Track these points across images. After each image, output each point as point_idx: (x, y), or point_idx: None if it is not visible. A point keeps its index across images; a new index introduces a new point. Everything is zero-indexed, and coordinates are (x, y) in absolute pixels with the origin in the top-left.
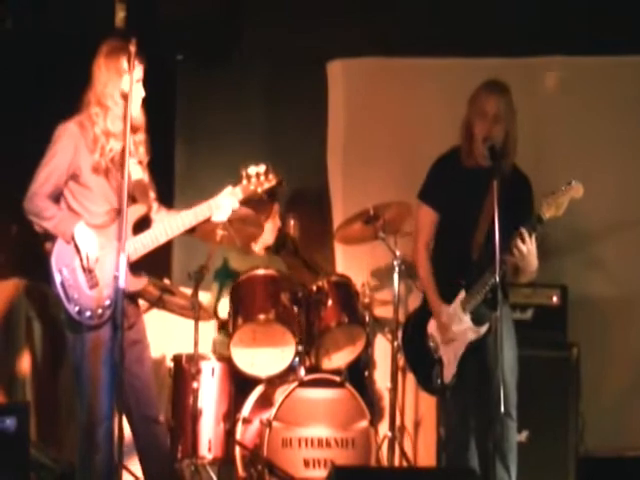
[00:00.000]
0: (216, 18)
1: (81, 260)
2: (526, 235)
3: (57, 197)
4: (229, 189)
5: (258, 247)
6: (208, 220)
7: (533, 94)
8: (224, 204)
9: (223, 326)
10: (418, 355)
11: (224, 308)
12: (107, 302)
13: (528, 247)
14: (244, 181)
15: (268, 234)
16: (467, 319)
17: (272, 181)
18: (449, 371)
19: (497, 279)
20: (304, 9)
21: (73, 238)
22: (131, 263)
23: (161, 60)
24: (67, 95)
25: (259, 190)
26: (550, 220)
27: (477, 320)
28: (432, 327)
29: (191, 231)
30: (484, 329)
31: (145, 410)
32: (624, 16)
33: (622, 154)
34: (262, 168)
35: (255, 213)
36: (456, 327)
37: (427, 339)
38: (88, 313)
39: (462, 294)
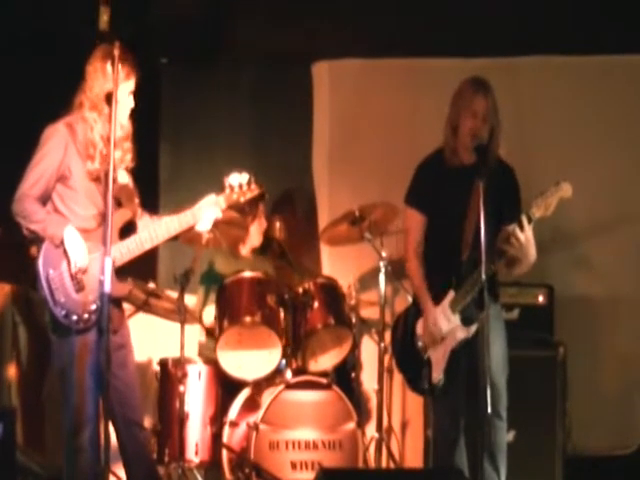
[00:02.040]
0: (201, 21)
1: (69, 264)
2: (525, 223)
3: (45, 200)
4: (212, 198)
5: (245, 250)
6: (192, 228)
7: (519, 93)
8: (206, 215)
9: (208, 332)
10: (407, 355)
11: (209, 315)
12: (93, 306)
13: (527, 235)
14: (227, 190)
15: (255, 236)
16: (456, 319)
17: (255, 191)
18: (437, 371)
19: (483, 278)
20: (289, 11)
21: (62, 242)
22: (117, 268)
23: (146, 63)
24: (51, 97)
25: (242, 200)
26: (539, 219)
27: (466, 320)
28: (421, 327)
29: (176, 237)
30: (473, 329)
31: (129, 414)
32: (608, 15)
33: (608, 153)
34: (245, 178)
35: (240, 216)
36: (445, 327)
37: (416, 339)
38: (74, 317)
39: (451, 294)
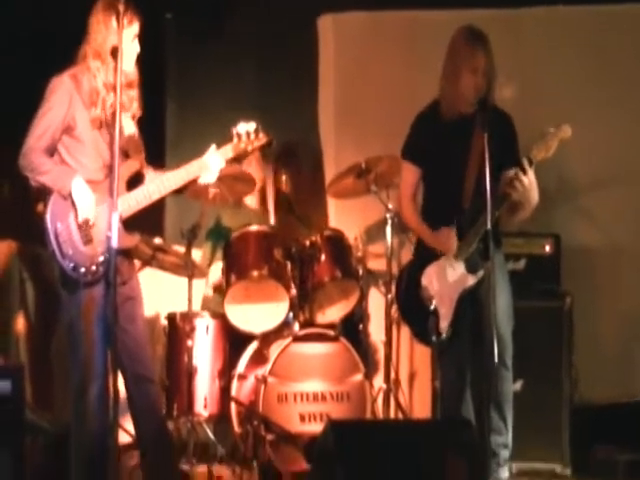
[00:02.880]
0: None
1: (76, 217)
2: (527, 165)
3: (52, 152)
4: (213, 149)
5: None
6: (197, 180)
7: (522, 45)
8: (211, 165)
9: (215, 289)
10: (413, 307)
11: (216, 273)
12: (101, 258)
13: (530, 178)
14: (234, 139)
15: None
16: (461, 267)
17: (262, 140)
18: (444, 321)
19: (489, 227)
20: None
21: (70, 193)
22: (124, 219)
23: (150, 19)
24: (58, 51)
25: (249, 149)
26: (540, 162)
27: (471, 268)
28: (426, 278)
29: (182, 190)
30: (479, 275)
31: (138, 369)
32: None
33: (613, 105)
34: (252, 126)
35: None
36: (450, 275)
37: (421, 291)
38: (82, 269)
39: (453, 231)
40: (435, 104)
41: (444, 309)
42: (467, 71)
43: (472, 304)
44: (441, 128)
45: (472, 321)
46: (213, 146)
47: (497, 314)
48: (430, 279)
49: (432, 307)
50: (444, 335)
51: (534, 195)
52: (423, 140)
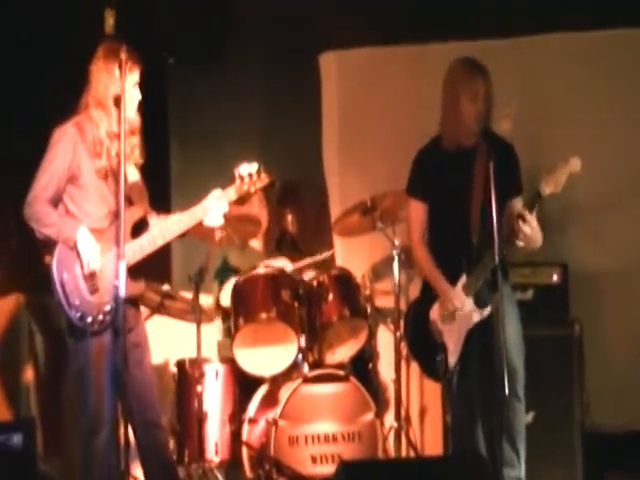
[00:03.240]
0: (205, 17)
1: (82, 267)
2: (527, 215)
3: (56, 202)
4: (217, 192)
5: (258, 244)
6: (202, 223)
7: (525, 73)
8: (214, 209)
9: (226, 316)
10: (421, 343)
11: (226, 297)
12: (107, 307)
13: (531, 225)
14: (237, 181)
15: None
16: (470, 302)
17: (265, 180)
18: (453, 357)
19: (497, 260)
20: (294, 3)
21: (76, 245)
22: (130, 267)
23: (153, 63)
24: (58, 102)
25: (252, 190)
26: (549, 196)
27: (480, 303)
28: (434, 314)
29: (187, 233)
30: (487, 311)
31: (146, 414)
32: None
33: (616, 129)
34: (254, 167)
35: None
36: (459, 310)
37: (429, 326)
38: (89, 319)
39: (463, 278)
40: (435, 139)
41: (452, 345)
42: (467, 99)
43: (481, 337)
44: (443, 162)
45: (481, 354)
46: (217, 190)
47: (507, 344)
48: (438, 315)
49: (440, 342)
50: (452, 371)
51: (537, 240)
52: (426, 175)
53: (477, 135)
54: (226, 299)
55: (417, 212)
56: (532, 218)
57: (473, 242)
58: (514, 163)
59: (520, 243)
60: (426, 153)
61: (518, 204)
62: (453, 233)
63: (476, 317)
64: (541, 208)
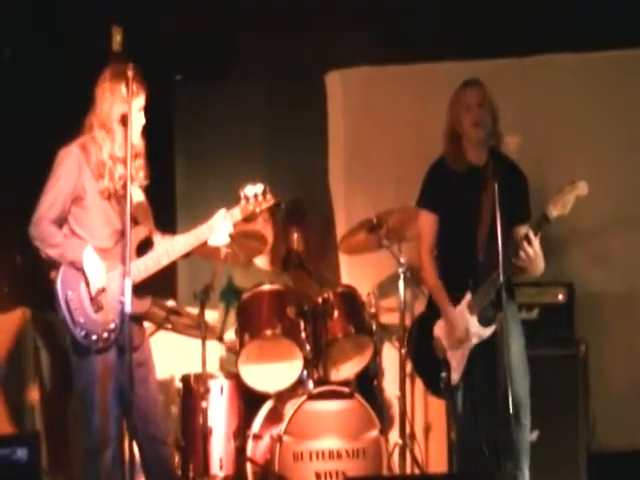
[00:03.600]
0: (211, 36)
1: (87, 285)
2: (532, 236)
3: (61, 222)
4: (222, 212)
5: (264, 262)
6: (207, 243)
7: (529, 93)
8: (219, 229)
9: (229, 349)
10: (425, 359)
11: (230, 333)
12: (112, 325)
13: (535, 249)
14: (242, 202)
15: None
16: (474, 320)
17: (270, 201)
18: (456, 374)
19: (501, 280)
20: (299, 22)
21: (82, 265)
22: (135, 285)
23: (159, 81)
24: (65, 121)
25: (257, 210)
26: (556, 219)
27: (484, 321)
28: (438, 330)
29: (190, 253)
30: (491, 330)
31: (151, 431)
32: (619, 9)
33: (625, 149)
34: (260, 188)
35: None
36: (463, 329)
37: (433, 342)
38: (94, 337)
39: (468, 296)
40: (443, 157)
41: (455, 362)
42: (462, 112)
43: (484, 356)
44: (453, 178)
45: (485, 373)
46: (223, 210)
47: (512, 364)
48: (442, 331)
49: (444, 359)
50: (455, 388)
51: (539, 265)
52: (438, 188)
53: (485, 153)
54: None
55: (427, 223)
56: (536, 241)
57: (480, 260)
58: (524, 189)
59: (522, 264)
60: (436, 169)
61: (524, 230)
62: (459, 250)
63: (482, 333)
64: (546, 232)
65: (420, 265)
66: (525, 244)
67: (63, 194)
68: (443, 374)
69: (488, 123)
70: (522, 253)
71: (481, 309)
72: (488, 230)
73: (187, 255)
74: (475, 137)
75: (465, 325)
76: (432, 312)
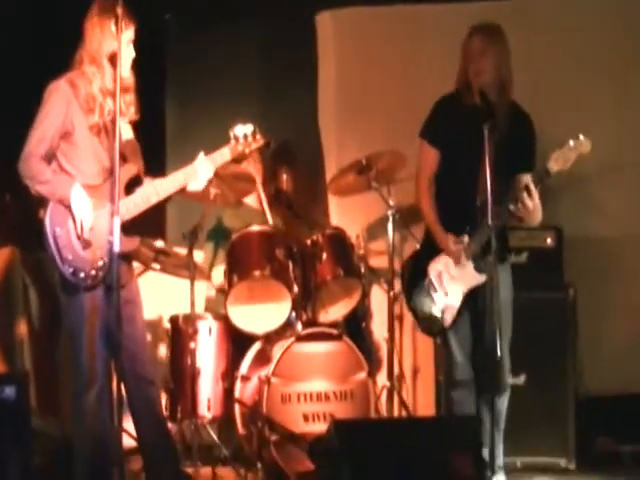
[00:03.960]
0: None
1: (75, 222)
2: (532, 188)
3: (50, 158)
4: (202, 157)
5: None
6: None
7: (524, 35)
8: (199, 173)
9: (218, 290)
10: (419, 297)
11: (219, 275)
12: (100, 263)
13: (534, 201)
14: (232, 142)
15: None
16: (470, 265)
17: (260, 142)
18: (448, 315)
19: (490, 223)
20: None
21: (69, 203)
22: (124, 223)
23: (149, 19)
24: (52, 56)
25: (247, 151)
26: (557, 173)
27: (478, 268)
28: (433, 271)
29: (182, 191)
30: (484, 278)
31: (138, 370)
32: None
33: (619, 94)
34: (249, 129)
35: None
36: (458, 271)
37: (426, 282)
38: (82, 274)
39: (465, 239)
40: (456, 91)
41: (449, 302)
42: (467, 56)
43: (475, 300)
44: (461, 115)
45: (474, 316)
46: (201, 154)
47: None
48: (437, 272)
49: (435, 295)
50: (448, 328)
51: (537, 216)
52: (443, 122)
53: (478, 94)
54: (218, 277)
55: (427, 156)
56: (536, 193)
57: (477, 205)
58: (531, 138)
59: (520, 214)
60: (445, 101)
61: (526, 178)
62: (459, 191)
63: (473, 281)
64: (545, 185)
65: (417, 198)
66: (525, 195)
67: (52, 130)
68: (437, 314)
69: (489, 70)
70: (520, 204)
71: (475, 255)
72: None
73: (177, 193)
74: (476, 85)
75: (458, 268)
76: (428, 250)
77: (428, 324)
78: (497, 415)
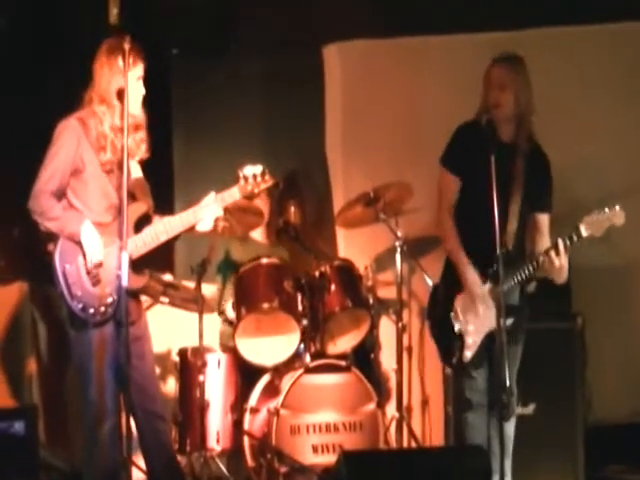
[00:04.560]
0: (209, 9)
1: (85, 259)
2: (561, 248)
3: (60, 195)
4: (212, 196)
5: (261, 236)
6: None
7: (536, 65)
8: (207, 215)
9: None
10: (443, 327)
11: (231, 309)
12: (109, 299)
13: (561, 261)
14: (241, 181)
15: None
16: (493, 307)
17: (269, 182)
18: (469, 351)
19: (498, 252)
20: None
21: (79, 239)
22: (133, 260)
23: (157, 55)
24: (64, 93)
25: (256, 191)
26: (587, 238)
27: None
28: (459, 303)
29: (190, 229)
30: (509, 321)
31: (148, 405)
32: None
33: (624, 120)
34: (258, 169)
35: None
36: (482, 309)
37: (452, 313)
38: (91, 310)
39: (488, 285)
40: (476, 120)
41: (471, 339)
42: (486, 87)
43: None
44: (482, 141)
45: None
46: (212, 194)
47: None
48: (463, 305)
49: (457, 329)
50: (467, 364)
51: (562, 275)
52: (463, 149)
53: (511, 130)
54: (231, 312)
55: (448, 184)
56: (565, 255)
57: (507, 245)
58: (548, 178)
59: (542, 268)
60: (467, 128)
61: (545, 220)
62: (480, 221)
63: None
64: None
65: (439, 227)
66: (552, 253)
67: (62, 166)
68: (456, 345)
69: (508, 104)
70: (546, 259)
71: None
72: (517, 218)
73: (187, 231)
74: (495, 116)
75: (482, 307)
76: (452, 278)
77: (449, 356)
78: (506, 440)
